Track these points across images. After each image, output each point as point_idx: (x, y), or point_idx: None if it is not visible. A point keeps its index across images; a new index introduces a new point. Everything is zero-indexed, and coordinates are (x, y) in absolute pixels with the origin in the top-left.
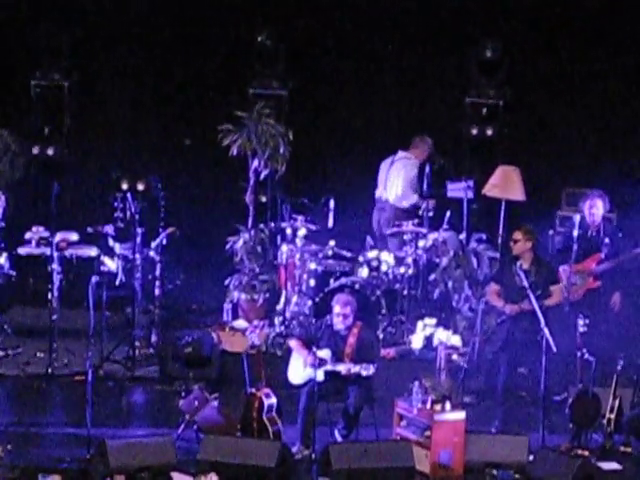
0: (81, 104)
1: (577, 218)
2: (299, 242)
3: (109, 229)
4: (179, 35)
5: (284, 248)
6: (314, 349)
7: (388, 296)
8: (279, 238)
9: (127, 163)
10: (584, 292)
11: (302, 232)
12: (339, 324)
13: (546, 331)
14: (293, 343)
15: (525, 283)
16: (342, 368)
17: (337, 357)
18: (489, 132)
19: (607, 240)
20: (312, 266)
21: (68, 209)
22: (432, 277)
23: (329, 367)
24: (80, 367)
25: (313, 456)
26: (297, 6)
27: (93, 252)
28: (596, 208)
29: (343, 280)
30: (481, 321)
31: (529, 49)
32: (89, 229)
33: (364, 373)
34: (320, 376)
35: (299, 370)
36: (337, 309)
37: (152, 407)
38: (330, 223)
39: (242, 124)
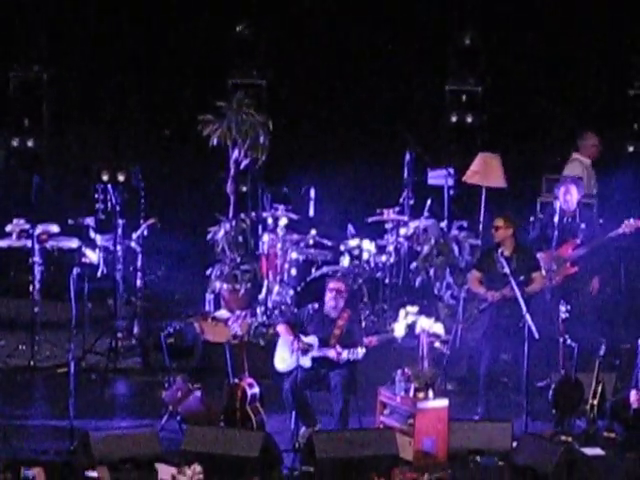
0: (60, 96)
1: (557, 204)
2: (280, 231)
3: (90, 221)
4: (157, 26)
5: (265, 238)
6: (300, 335)
7: (370, 285)
8: (260, 228)
9: (107, 154)
10: (563, 278)
11: (283, 221)
12: (331, 300)
13: (528, 318)
14: (281, 328)
15: (507, 270)
16: (331, 353)
17: (324, 342)
18: (469, 119)
19: (583, 226)
20: (293, 255)
21: (48, 201)
22: (413, 265)
23: (315, 353)
24: (62, 359)
25: (297, 445)
26: None
27: (74, 244)
28: (570, 194)
29: (325, 269)
30: (463, 309)
31: (508, 36)
32: (70, 221)
33: (352, 357)
34: (307, 362)
35: (286, 356)
36: (331, 284)
37: (135, 398)
38: (311, 212)
39: (222, 114)
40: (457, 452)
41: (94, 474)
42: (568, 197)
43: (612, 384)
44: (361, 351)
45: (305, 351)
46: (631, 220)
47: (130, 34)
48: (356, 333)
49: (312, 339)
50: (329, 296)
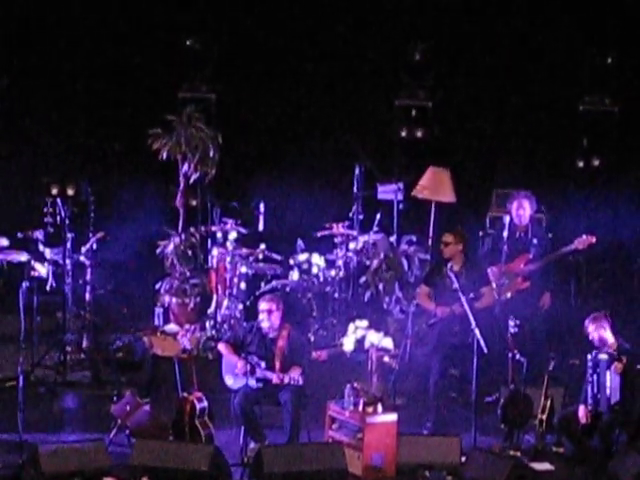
0: (10, 108)
1: (507, 219)
2: (230, 245)
3: (39, 234)
4: (109, 39)
5: (215, 252)
6: (244, 355)
7: (319, 299)
8: (210, 242)
9: (57, 168)
10: (514, 293)
11: (233, 235)
12: (265, 321)
13: (477, 332)
14: (222, 347)
15: (456, 285)
16: (273, 377)
17: (267, 361)
18: (419, 134)
19: (535, 241)
20: (243, 269)
21: None
22: (363, 279)
23: (259, 374)
24: (11, 372)
25: (245, 460)
26: (226, 10)
27: (23, 257)
28: (523, 209)
29: (274, 283)
30: (412, 323)
31: (458, 51)
32: (19, 234)
33: (293, 383)
34: (252, 383)
35: (231, 376)
36: (262, 306)
37: (84, 412)
38: (261, 226)
39: (172, 128)
40: (406, 467)
41: None
42: (521, 212)
43: (561, 399)
44: (301, 379)
45: (250, 373)
46: (583, 236)
47: (80, 46)
48: (300, 349)
49: (255, 360)
50: (262, 316)
